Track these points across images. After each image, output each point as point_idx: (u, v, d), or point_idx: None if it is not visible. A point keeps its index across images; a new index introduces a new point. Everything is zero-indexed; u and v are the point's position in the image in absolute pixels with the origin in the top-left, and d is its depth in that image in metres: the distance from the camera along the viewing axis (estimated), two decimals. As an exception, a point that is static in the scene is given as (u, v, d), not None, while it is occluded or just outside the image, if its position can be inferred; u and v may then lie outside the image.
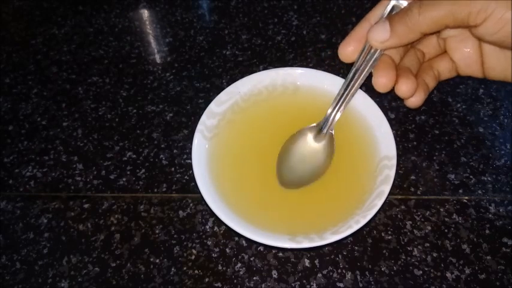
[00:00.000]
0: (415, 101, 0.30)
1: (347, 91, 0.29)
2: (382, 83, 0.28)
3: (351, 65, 0.29)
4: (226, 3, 0.47)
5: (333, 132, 0.31)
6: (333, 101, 0.30)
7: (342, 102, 0.30)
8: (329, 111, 0.30)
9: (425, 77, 0.31)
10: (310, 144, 0.31)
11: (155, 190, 0.33)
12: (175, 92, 0.40)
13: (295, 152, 0.31)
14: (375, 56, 0.28)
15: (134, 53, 0.43)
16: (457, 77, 0.39)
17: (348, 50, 0.29)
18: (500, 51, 0.28)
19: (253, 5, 0.47)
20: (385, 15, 0.28)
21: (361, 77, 0.29)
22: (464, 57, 0.30)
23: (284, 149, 0.31)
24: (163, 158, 0.35)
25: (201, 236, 0.31)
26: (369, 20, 0.29)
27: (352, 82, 0.29)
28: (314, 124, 0.31)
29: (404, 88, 0.28)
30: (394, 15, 0.27)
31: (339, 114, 0.30)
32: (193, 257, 0.30)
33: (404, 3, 0.27)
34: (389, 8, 0.28)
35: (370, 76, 0.29)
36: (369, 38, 0.27)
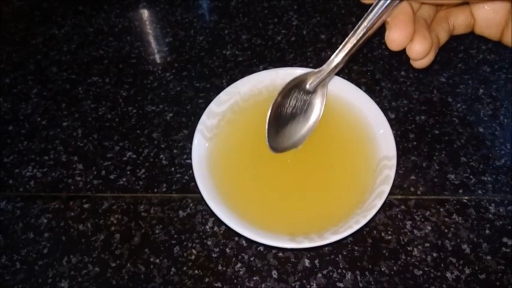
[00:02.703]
0: (423, 62, 0.27)
1: (356, 33, 0.26)
2: (396, 38, 0.25)
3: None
4: (226, 3, 0.47)
5: (327, 86, 0.29)
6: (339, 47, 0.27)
7: (346, 44, 0.27)
8: (332, 57, 0.28)
9: (438, 30, 0.28)
10: (302, 93, 0.30)
11: (155, 190, 0.33)
12: (175, 92, 0.40)
13: (285, 104, 0.30)
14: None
15: (134, 53, 0.43)
16: (456, 77, 0.39)
17: None
18: None
19: (253, 5, 0.47)
20: None
21: (374, 20, 0.25)
22: (489, 17, 0.27)
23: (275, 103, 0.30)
24: (163, 158, 0.35)
25: (201, 236, 0.31)
26: None
27: (363, 25, 0.25)
28: (313, 70, 0.30)
29: (418, 48, 0.25)
30: None
31: (339, 58, 0.28)
32: (193, 257, 0.30)
33: None
34: None
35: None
36: None
